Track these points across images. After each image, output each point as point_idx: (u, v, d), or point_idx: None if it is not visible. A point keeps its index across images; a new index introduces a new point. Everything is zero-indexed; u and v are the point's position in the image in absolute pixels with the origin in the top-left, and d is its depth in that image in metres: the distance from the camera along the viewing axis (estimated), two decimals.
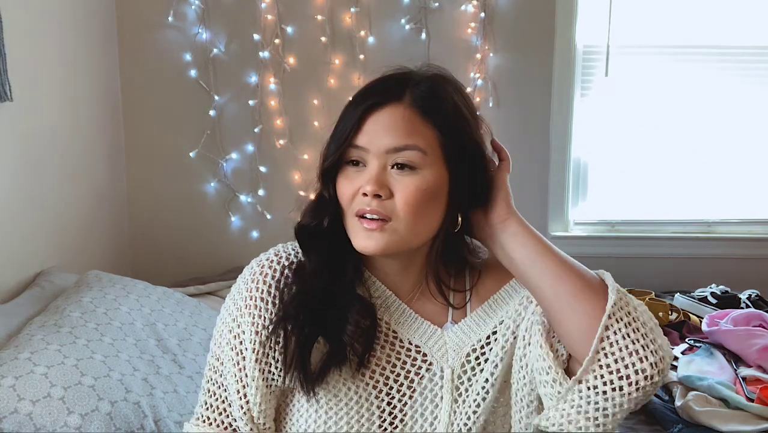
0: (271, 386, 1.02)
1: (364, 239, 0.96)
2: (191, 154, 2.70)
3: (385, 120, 0.95)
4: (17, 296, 1.93)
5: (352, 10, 2.64)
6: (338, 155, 0.97)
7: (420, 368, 1.03)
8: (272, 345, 1.00)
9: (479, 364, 1.04)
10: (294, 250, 1.05)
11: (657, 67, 2.74)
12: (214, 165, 2.74)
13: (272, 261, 1.03)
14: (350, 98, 1.01)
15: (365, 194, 0.95)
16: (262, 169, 2.74)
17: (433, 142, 0.96)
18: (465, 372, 1.03)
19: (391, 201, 0.95)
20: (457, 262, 1.06)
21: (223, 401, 1.05)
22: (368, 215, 0.95)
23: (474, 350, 1.04)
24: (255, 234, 2.76)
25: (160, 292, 1.99)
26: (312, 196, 1.04)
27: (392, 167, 0.95)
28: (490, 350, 1.04)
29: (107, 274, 2.03)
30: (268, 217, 2.75)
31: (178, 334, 1.84)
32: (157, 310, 1.87)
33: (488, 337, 1.04)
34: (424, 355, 1.03)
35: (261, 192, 2.75)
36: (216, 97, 2.69)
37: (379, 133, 0.95)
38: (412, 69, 1.01)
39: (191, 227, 2.78)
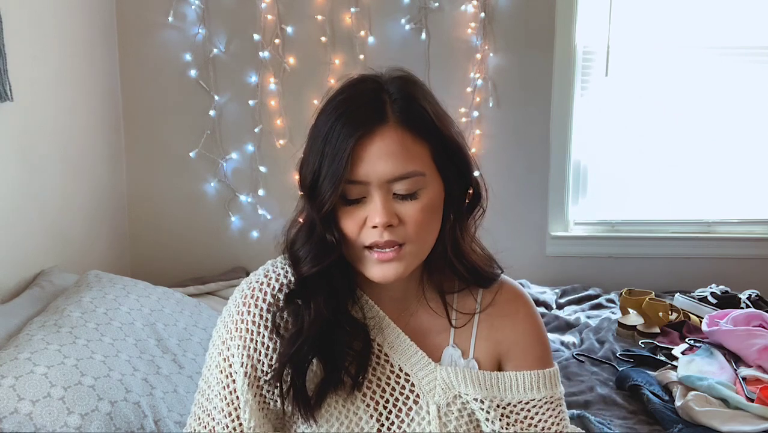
0: (264, 409, 1.00)
1: (380, 269, 0.94)
2: (191, 154, 2.71)
3: (380, 148, 0.91)
4: (17, 296, 1.93)
5: (352, 10, 2.64)
6: (336, 192, 0.91)
7: (408, 398, 1.02)
8: (265, 370, 0.98)
9: (466, 410, 1.02)
10: (283, 268, 1.02)
11: (657, 67, 2.74)
12: (214, 165, 2.74)
13: (263, 283, 1.01)
14: (319, 114, 0.96)
15: (375, 226, 0.92)
16: (262, 169, 2.74)
17: (427, 158, 0.94)
18: (452, 411, 1.02)
19: (402, 227, 0.93)
20: (460, 277, 1.03)
21: (206, 427, 1.02)
22: (382, 247, 0.93)
23: (459, 396, 1.02)
24: (255, 234, 2.76)
25: (160, 292, 1.99)
26: (299, 219, 1.00)
27: (395, 194, 0.93)
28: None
29: (107, 274, 2.03)
30: (268, 217, 2.75)
31: (178, 334, 1.84)
32: (157, 310, 1.87)
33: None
34: (413, 385, 1.02)
35: (261, 192, 2.75)
36: (216, 97, 2.69)
37: (376, 162, 0.91)
38: (377, 75, 0.97)
39: (191, 227, 2.78)
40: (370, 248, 0.94)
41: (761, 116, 2.77)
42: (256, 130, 2.71)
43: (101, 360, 1.58)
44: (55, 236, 2.23)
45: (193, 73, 2.67)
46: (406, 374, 1.02)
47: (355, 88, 0.96)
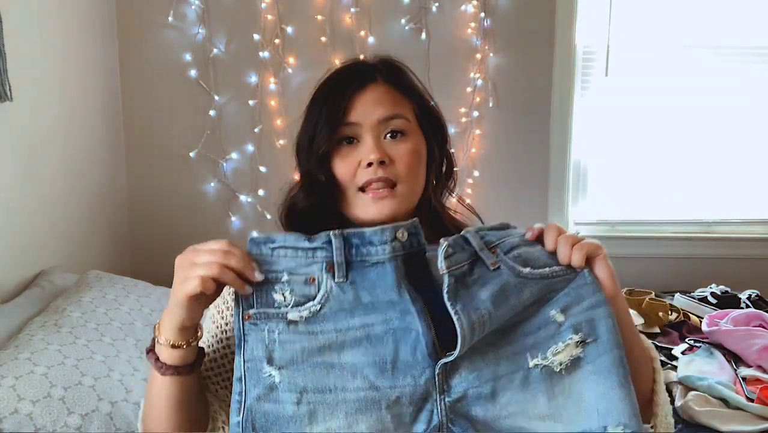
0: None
1: (375, 206, 1.00)
2: (191, 154, 2.70)
3: (371, 97, 1.03)
4: (17, 296, 1.93)
5: (352, 10, 2.64)
6: (332, 136, 1.02)
7: None
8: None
9: None
10: None
11: (657, 67, 2.74)
12: (214, 165, 2.74)
13: None
14: (313, 95, 1.07)
15: (369, 164, 1.00)
16: (262, 169, 2.74)
17: (410, 113, 1.05)
18: None
19: (393, 167, 1.01)
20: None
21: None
22: (375, 184, 1.00)
23: None
24: (255, 234, 2.75)
25: (160, 292, 2.00)
26: (295, 181, 1.10)
27: (385, 137, 1.02)
28: None
29: (107, 274, 2.03)
30: (268, 217, 2.75)
31: None
32: (157, 310, 1.87)
33: None
34: None
35: (261, 192, 2.75)
36: (216, 97, 2.69)
37: (369, 107, 1.02)
38: (364, 59, 1.13)
39: (191, 227, 2.78)
40: (363, 190, 1.01)
41: (761, 116, 2.77)
42: (256, 130, 2.71)
43: (101, 360, 1.58)
44: (55, 236, 2.23)
45: (193, 73, 2.67)
46: None
47: (346, 66, 1.11)
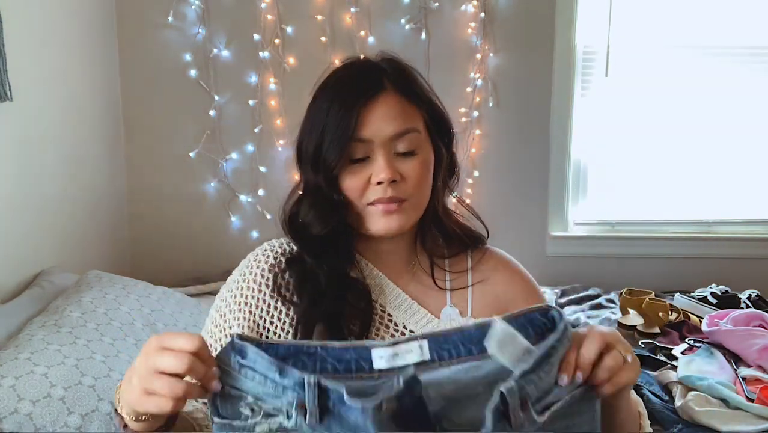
0: None
1: (385, 222, 1.01)
2: (191, 154, 2.70)
3: (382, 110, 1.00)
4: (17, 296, 1.93)
5: (352, 10, 2.64)
6: (342, 153, 0.99)
7: None
8: (266, 326, 1.03)
9: None
10: (280, 241, 1.10)
11: (657, 67, 2.74)
12: (214, 165, 2.74)
13: (266, 250, 1.08)
14: (316, 94, 1.05)
15: (379, 183, 0.99)
16: (262, 169, 2.74)
17: (420, 122, 1.04)
18: None
19: (403, 184, 1.01)
20: (451, 241, 1.10)
21: None
22: (386, 203, 1.00)
23: None
24: (255, 234, 2.76)
25: (160, 292, 2.00)
26: (297, 192, 1.07)
27: (396, 153, 1.01)
28: None
29: (107, 274, 2.03)
30: (268, 217, 2.75)
31: None
32: (157, 310, 1.87)
33: None
34: None
35: (261, 192, 2.75)
36: (216, 97, 2.69)
37: (380, 123, 1.00)
38: (368, 57, 1.10)
39: (191, 227, 2.78)
40: (373, 203, 1.01)
41: (761, 116, 2.77)
42: (256, 130, 2.71)
43: (101, 360, 1.58)
44: (55, 236, 2.23)
45: (193, 73, 2.67)
46: (411, 331, 1.05)
47: (352, 67, 1.09)
